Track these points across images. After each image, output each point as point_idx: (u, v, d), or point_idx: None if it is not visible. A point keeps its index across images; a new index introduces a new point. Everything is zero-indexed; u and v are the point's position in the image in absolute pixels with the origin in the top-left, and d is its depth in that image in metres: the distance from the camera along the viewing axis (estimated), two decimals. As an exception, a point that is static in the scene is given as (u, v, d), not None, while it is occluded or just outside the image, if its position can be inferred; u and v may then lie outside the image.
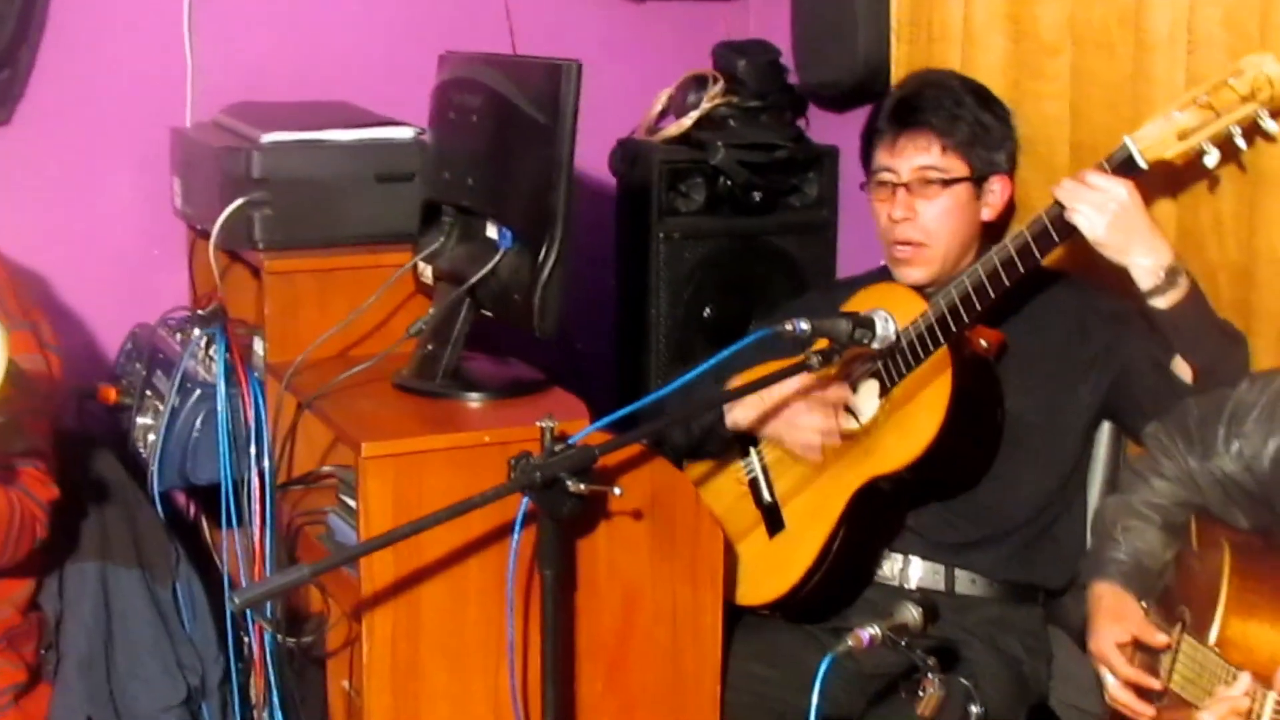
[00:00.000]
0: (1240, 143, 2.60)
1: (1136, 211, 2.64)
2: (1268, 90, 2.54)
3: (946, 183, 2.88)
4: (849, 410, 2.89)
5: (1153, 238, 2.65)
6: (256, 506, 2.74)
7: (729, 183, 3.72)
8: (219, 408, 2.81)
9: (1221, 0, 2.70)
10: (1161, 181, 2.81)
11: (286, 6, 3.62)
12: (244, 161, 2.92)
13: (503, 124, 2.62)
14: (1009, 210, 2.97)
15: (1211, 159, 2.61)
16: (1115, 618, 2.49)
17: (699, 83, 3.85)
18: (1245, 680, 2.10)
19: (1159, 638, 2.42)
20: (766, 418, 2.90)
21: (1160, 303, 2.66)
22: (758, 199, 3.77)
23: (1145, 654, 2.46)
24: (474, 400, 2.67)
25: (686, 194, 3.74)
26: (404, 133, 3.06)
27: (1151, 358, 2.75)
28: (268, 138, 2.96)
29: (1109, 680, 2.47)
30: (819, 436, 2.86)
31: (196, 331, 2.94)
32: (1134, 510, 2.58)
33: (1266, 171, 2.67)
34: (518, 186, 2.59)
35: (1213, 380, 2.64)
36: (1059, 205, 2.67)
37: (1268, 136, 2.61)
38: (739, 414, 2.92)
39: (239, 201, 2.90)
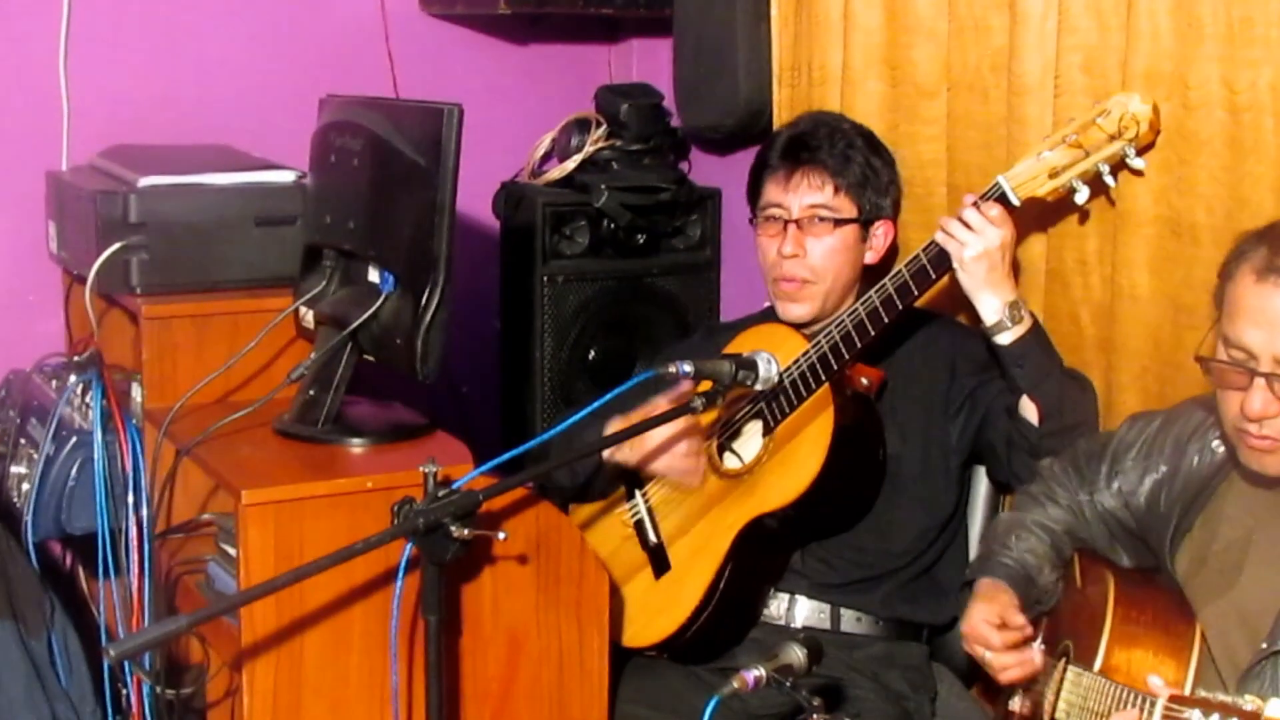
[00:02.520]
0: (1109, 180, 2.67)
1: (1006, 251, 2.71)
2: (1134, 128, 2.61)
3: (837, 223, 2.91)
4: (732, 450, 2.91)
5: (1005, 277, 2.72)
6: (134, 556, 2.69)
7: (612, 225, 3.74)
8: (95, 455, 2.76)
9: (1082, 47, 2.78)
10: (1029, 221, 2.87)
11: (165, 49, 3.58)
12: (120, 205, 2.89)
13: (384, 167, 2.62)
14: (891, 255, 3.01)
15: (1082, 196, 2.68)
16: (987, 600, 2.52)
17: (582, 126, 3.87)
18: (1129, 693, 2.14)
19: (1018, 618, 2.46)
20: (642, 457, 2.91)
21: (1004, 339, 2.73)
22: (641, 241, 3.79)
23: (1028, 691, 2.49)
24: (356, 445, 2.65)
25: (570, 236, 3.75)
26: (284, 176, 3.05)
27: (1008, 405, 2.80)
28: (145, 181, 2.92)
29: (988, 656, 2.49)
30: (690, 460, 2.87)
31: (72, 378, 2.90)
32: (1026, 526, 2.63)
33: (1127, 212, 2.75)
34: (399, 230, 2.58)
35: (1061, 422, 2.71)
36: (935, 244, 2.71)
37: (1135, 173, 2.68)
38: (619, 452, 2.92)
39: (116, 246, 2.87)
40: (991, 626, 2.48)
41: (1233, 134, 2.58)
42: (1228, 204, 2.60)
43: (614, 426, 2.84)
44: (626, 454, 2.89)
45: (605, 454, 2.91)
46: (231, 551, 2.58)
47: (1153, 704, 2.00)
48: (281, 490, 2.44)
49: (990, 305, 2.73)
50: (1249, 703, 1.86)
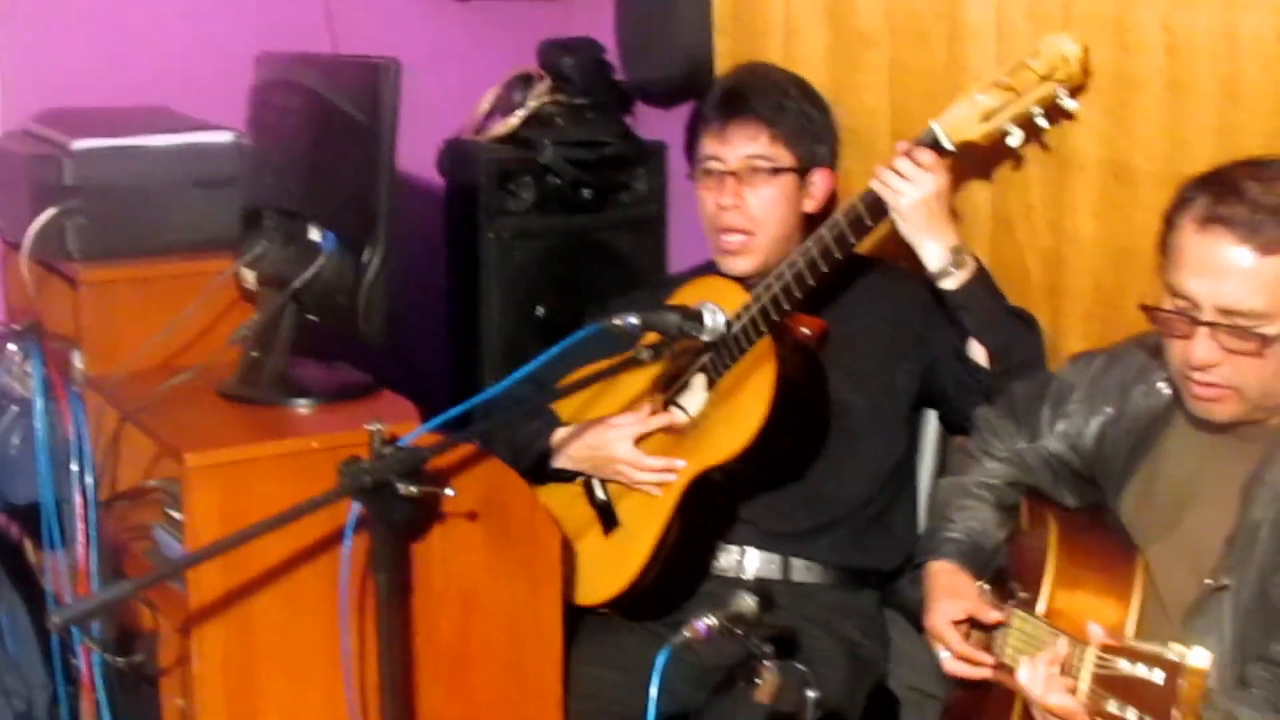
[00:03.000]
0: (1042, 122, 2.68)
1: (943, 197, 2.72)
2: (1064, 69, 2.61)
3: (773, 172, 2.91)
4: (678, 404, 2.91)
5: (945, 222, 2.74)
6: (80, 525, 2.67)
7: (558, 181, 3.72)
8: (37, 424, 2.74)
9: (1027, -8, 2.78)
10: (973, 168, 2.88)
11: (97, 10, 3.53)
12: (55, 170, 2.85)
13: (322, 125, 2.59)
14: (831, 203, 3.01)
15: (1015, 139, 2.69)
16: (950, 595, 2.53)
17: (525, 81, 3.85)
18: (1064, 640, 2.15)
19: (992, 615, 2.47)
20: (584, 462, 2.95)
21: (949, 283, 2.75)
22: (587, 196, 3.78)
23: (981, 629, 2.51)
24: (301, 406, 2.63)
25: (515, 193, 3.73)
26: (222, 137, 3.01)
27: (955, 347, 2.81)
28: (80, 145, 2.88)
29: (944, 655, 2.51)
30: (630, 471, 2.88)
31: (11, 346, 2.87)
32: (968, 490, 2.64)
33: (1071, 157, 2.75)
34: (339, 188, 2.56)
35: (1010, 362, 2.73)
36: (872, 190, 2.72)
37: (1067, 115, 2.68)
38: (561, 454, 2.97)
39: (51, 211, 2.82)
40: (955, 630, 2.49)
41: (1171, 76, 2.59)
42: (1166, 147, 2.61)
43: (560, 436, 2.92)
44: (565, 454, 2.93)
45: (557, 463, 2.96)
46: (177, 516, 2.56)
47: (1086, 650, 2.02)
48: (226, 453, 2.42)
49: (933, 251, 2.74)
50: (1173, 652, 1.88)
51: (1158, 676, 1.90)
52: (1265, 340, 2.15)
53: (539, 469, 2.99)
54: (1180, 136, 2.60)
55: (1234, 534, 2.23)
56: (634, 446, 2.89)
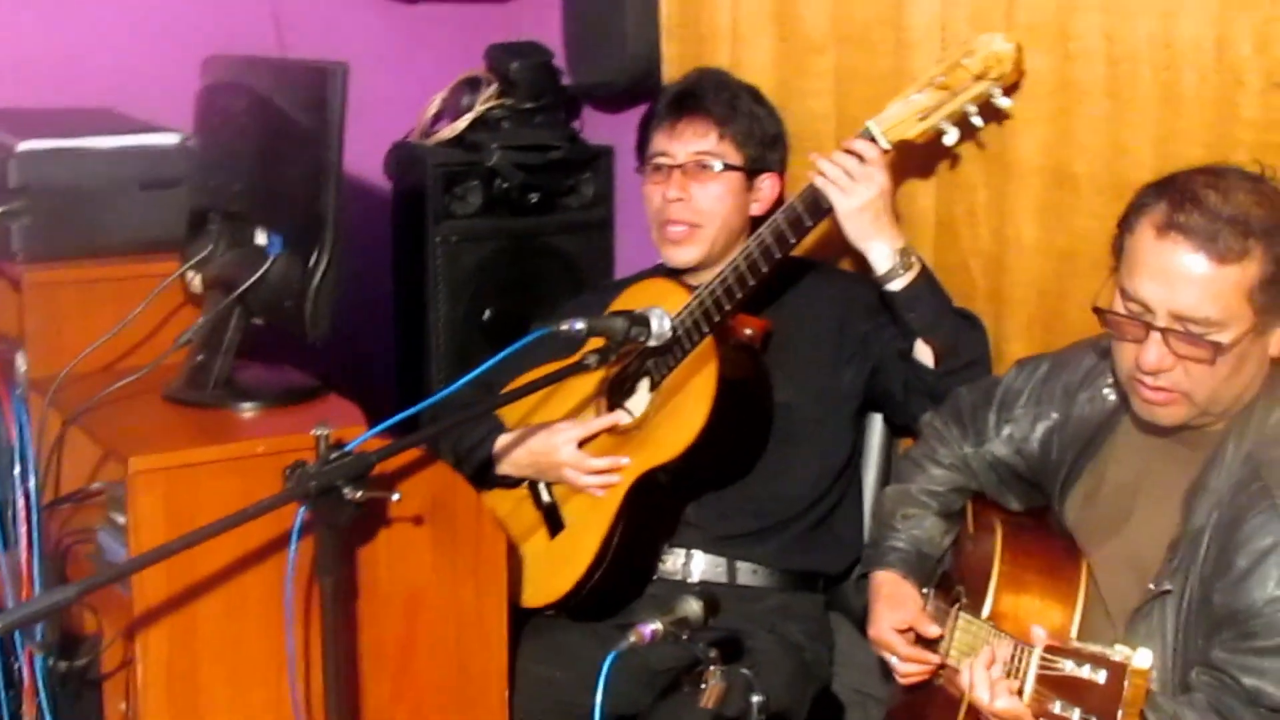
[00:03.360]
0: (977, 121, 2.71)
1: (886, 198, 2.74)
2: (998, 68, 2.64)
3: (722, 169, 2.94)
4: (624, 406, 2.92)
5: (892, 223, 2.76)
6: (23, 528, 2.64)
7: (505, 184, 3.73)
8: (-21, 426, 2.71)
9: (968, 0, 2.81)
10: (917, 173, 2.91)
11: (43, 9, 3.51)
12: (0, 170, 2.82)
13: (269, 128, 2.59)
14: (777, 208, 3.02)
15: (950, 137, 2.72)
16: (894, 605, 2.56)
17: (472, 85, 3.86)
18: (1008, 642, 2.17)
19: (932, 630, 2.49)
20: (528, 464, 2.96)
21: (896, 285, 2.76)
22: (534, 200, 3.78)
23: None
24: (247, 410, 2.63)
25: (463, 197, 3.73)
26: (169, 139, 3.00)
27: (901, 348, 2.83)
28: (24, 145, 2.86)
29: (893, 660, 2.53)
30: (574, 475, 2.89)
31: (-46, 348, 2.84)
32: (912, 498, 2.66)
33: (1013, 163, 2.79)
34: (286, 191, 2.56)
35: (956, 362, 2.75)
36: (812, 189, 2.74)
37: (1002, 113, 2.71)
38: (505, 459, 2.97)
39: (-4, 211, 2.81)
40: (899, 635, 2.51)
41: (1112, 84, 2.63)
42: (1108, 153, 2.65)
43: (503, 442, 2.93)
44: (506, 459, 2.94)
45: (501, 469, 2.96)
46: (121, 520, 2.54)
47: (1030, 652, 2.04)
48: (171, 456, 2.41)
49: (881, 253, 2.76)
50: (1118, 653, 1.90)
51: (1101, 677, 1.92)
52: (1218, 348, 2.16)
53: (482, 475, 2.99)
54: (1121, 143, 2.63)
55: (1177, 540, 2.25)
56: (578, 449, 2.89)
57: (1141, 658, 1.90)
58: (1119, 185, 2.53)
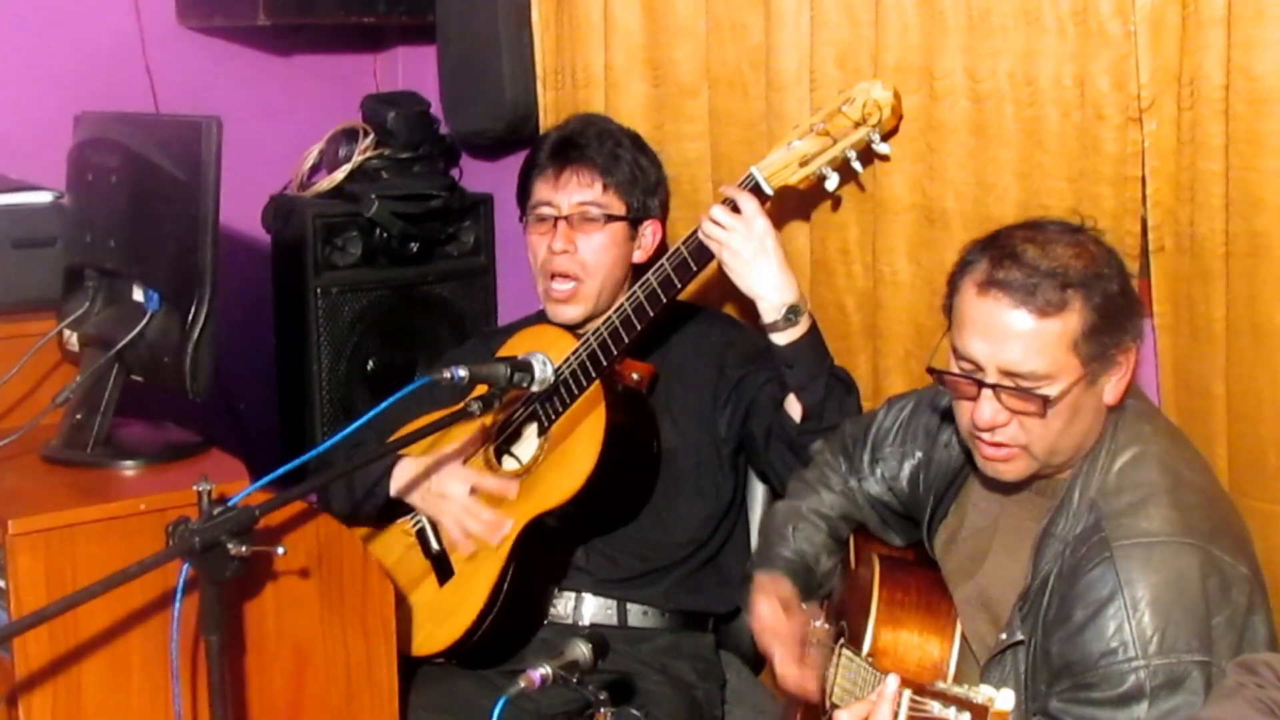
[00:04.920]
0: (857, 166, 2.75)
1: (769, 245, 2.74)
2: (877, 114, 2.69)
3: (606, 219, 2.95)
4: (511, 452, 2.93)
5: (781, 273, 2.75)
6: (-102, 594, 2.60)
7: (385, 234, 3.73)
8: None
9: (835, 41, 2.87)
10: (792, 212, 2.95)
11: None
12: None
13: (143, 184, 2.57)
14: (659, 255, 3.04)
15: (832, 183, 2.76)
16: (770, 592, 2.59)
17: (349, 136, 3.86)
18: (893, 681, 2.18)
19: (804, 610, 2.54)
20: (427, 499, 2.93)
21: (779, 339, 2.78)
22: (414, 249, 3.78)
23: (817, 654, 2.55)
24: (128, 468, 2.60)
25: (342, 247, 3.73)
26: (41, 196, 2.97)
27: (774, 397, 2.86)
28: (-106, 206, 2.83)
29: (776, 651, 2.55)
30: (480, 534, 2.88)
31: None
32: (803, 515, 2.69)
33: (886, 201, 2.84)
34: (162, 247, 2.54)
35: (818, 424, 2.77)
36: (696, 236, 2.76)
37: (881, 157, 2.76)
38: (401, 483, 2.94)
39: None
40: (778, 613, 2.54)
41: (977, 121, 2.69)
42: (975, 190, 2.71)
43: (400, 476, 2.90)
44: (398, 484, 2.92)
45: (391, 488, 2.93)
46: (1, 584, 2.51)
47: (902, 694, 2.06)
48: (50, 518, 2.37)
49: (766, 304, 2.77)
50: (981, 695, 1.92)
51: (966, 719, 1.94)
52: (1047, 401, 2.19)
53: (387, 511, 2.99)
54: (987, 179, 2.69)
55: (1026, 589, 2.27)
56: (470, 494, 2.89)
57: (1004, 699, 1.89)
58: (987, 220, 2.59)
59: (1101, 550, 2.18)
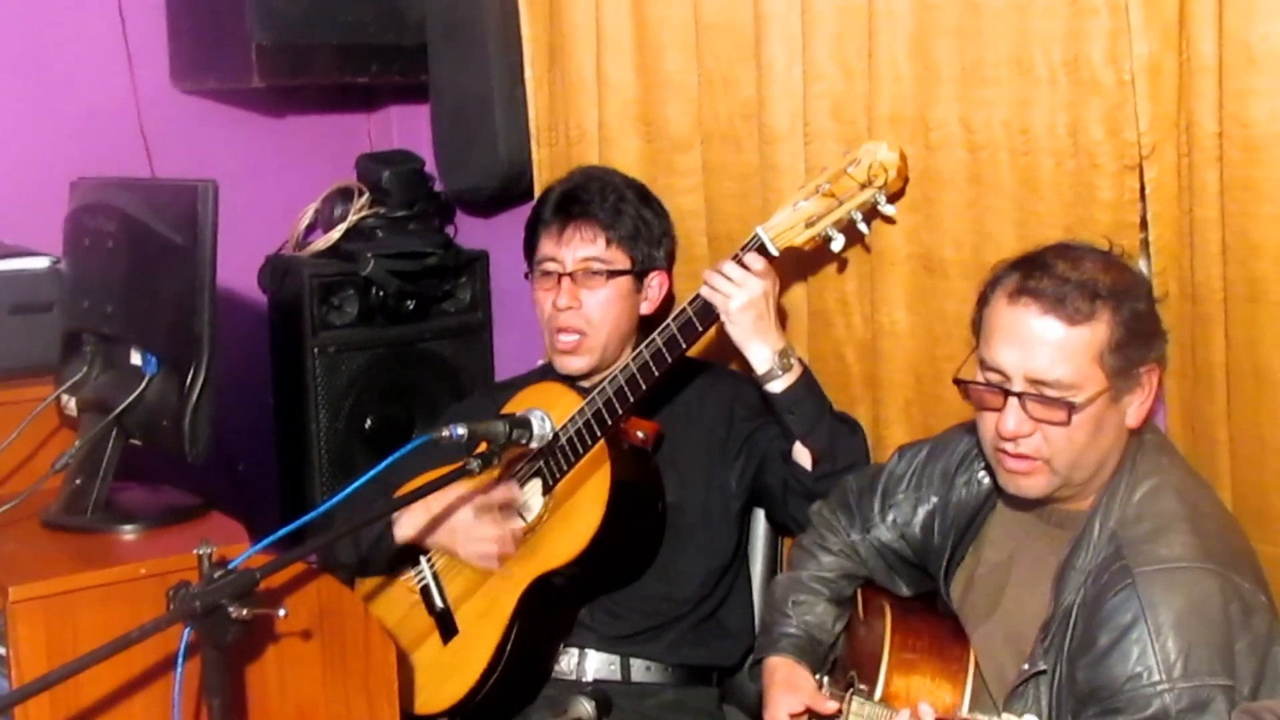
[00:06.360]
0: (862, 227, 2.75)
1: (770, 300, 2.76)
2: (883, 176, 2.68)
3: (610, 274, 2.95)
4: (516, 510, 2.92)
5: (773, 326, 2.77)
6: (-101, 663, 2.58)
7: (381, 293, 3.73)
8: None
9: (828, 94, 2.87)
10: (790, 266, 2.94)
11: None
12: None
13: (140, 248, 2.57)
14: (667, 305, 3.04)
15: (837, 244, 2.75)
16: (789, 689, 2.57)
17: (344, 195, 3.86)
18: (904, 715, 2.19)
19: (829, 705, 2.50)
20: (435, 531, 2.90)
21: (776, 386, 2.78)
22: (411, 307, 3.78)
23: None
24: (128, 532, 2.59)
25: (339, 306, 3.73)
26: (39, 262, 2.98)
27: (782, 449, 2.86)
28: (-108, 274, 2.83)
29: None
30: (495, 545, 2.86)
31: None
32: (804, 585, 2.68)
33: (882, 251, 2.84)
34: (160, 310, 2.54)
35: (831, 466, 2.78)
36: (700, 296, 2.76)
37: (887, 219, 2.76)
38: (407, 528, 2.91)
39: None
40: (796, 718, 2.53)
41: (973, 171, 2.70)
42: (973, 238, 2.71)
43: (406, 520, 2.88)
44: (408, 528, 2.90)
45: (396, 534, 2.91)
46: (2, 651, 2.49)
47: None
48: (51, 584, 2.36)
49: (761, 354, 2.78)
50: None
51: (991, 745, 1.95)
52: (1072, 408, 2.23)
53: (394, 564, 2.98)
54: (984, 228, 2.70)
55: (1048, 620, 2.29)
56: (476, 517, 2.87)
57: None
58: (984, 269, 2.57)
59: (1123, 577, 2.20)
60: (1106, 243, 2.36)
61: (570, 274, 2.96)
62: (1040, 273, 2.26)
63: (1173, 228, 2.50)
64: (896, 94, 2.76)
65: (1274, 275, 2.33)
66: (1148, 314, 2.27)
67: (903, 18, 2.73)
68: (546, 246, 3.00)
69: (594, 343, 2.96)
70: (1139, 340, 2.25)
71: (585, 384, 2.94)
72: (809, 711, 2.53)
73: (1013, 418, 2.26)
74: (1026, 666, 2.29)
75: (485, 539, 2.86)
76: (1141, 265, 2.53)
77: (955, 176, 2.73)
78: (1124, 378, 2.25)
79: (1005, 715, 1.97)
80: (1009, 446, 2.29)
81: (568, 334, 2.96)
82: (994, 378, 2.29)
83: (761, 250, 2.76)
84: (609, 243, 2.96)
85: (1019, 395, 2.26)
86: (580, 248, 2.96)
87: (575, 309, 2.95)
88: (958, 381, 2.37)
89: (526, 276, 3.06)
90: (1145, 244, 2.53)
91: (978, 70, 2.66)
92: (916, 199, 2.78)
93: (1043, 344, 2.24)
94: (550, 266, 2.99)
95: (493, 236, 3.84)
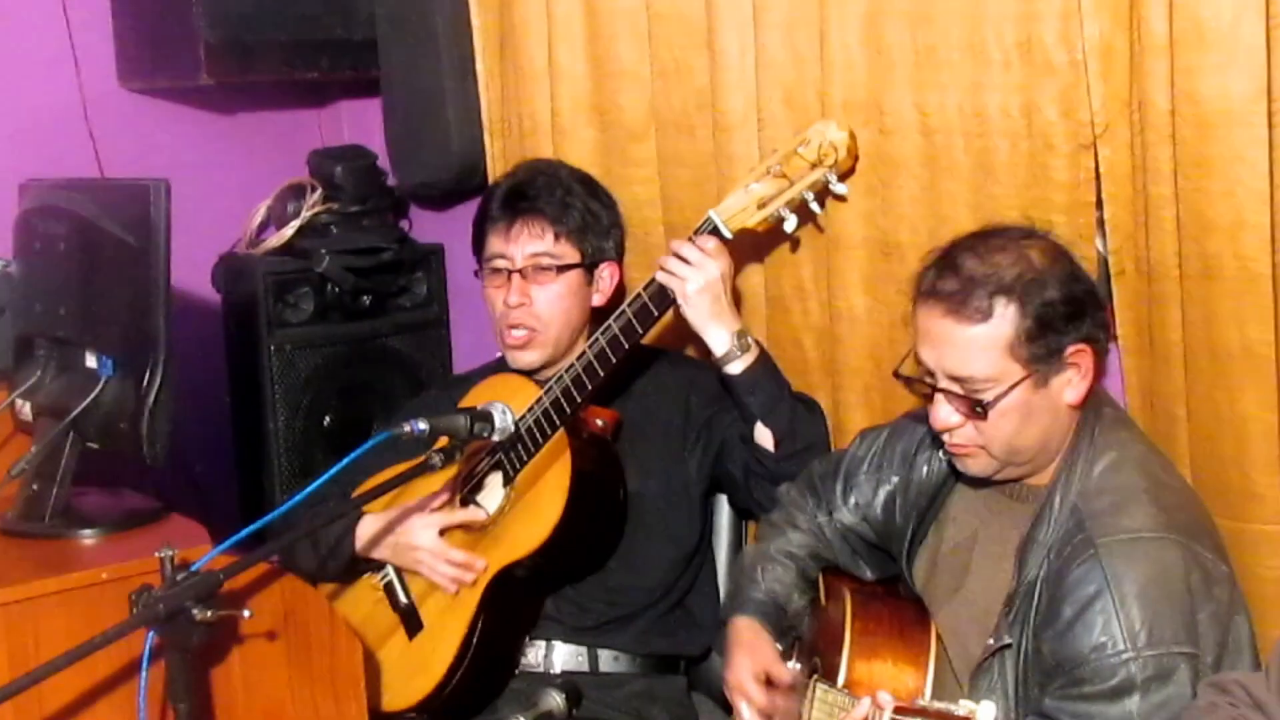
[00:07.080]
0: (814, 207, 2.76)
1: (727, 282, 2.77)
2: (833, 155, 2.70)
3: (560, 269, 2.94)
4: (476, 502, 2.91)
5: (729, 308, 2.78)
6: None
7: (336, 289, 3.71)
8: None
9: (781, 81, 2.88)
10: (747, 252, 2.95)
11: None
12: None
13: (92, 250, 2.55)
14: (618, 295, 3.04)
15: (790, 224, 2.76)
16: (750, 651, 2.59)
17: (297, 192, 3.84)
18: (865, 704, 2.19)
19: (785, 676, 2.53)
20: (397, 552, 2.92)
21: (735, 368, 2.79)
22: (367, 303, 3.77)
23: (786, 700, 2.54)
24: (88, 537, 2.57)
25: (294, 304, 3.71)
26: (-12, 267, 2.94)
27: (742, 432, 2.86)
28: None
29: (744, 709, 2.55)
30: (457, 572, 2.86)
31: None
32: (771, 556, 2.70)
33: (838, 236, 2.85)
34: (114, 312, 2.52)
35: (794, 446, 2.79)
36: (656, 281, 2.76)
37: (838, 198, 2.77)
38: (368, 543, 2.92)
39: None
40: (756, 681, 2.54)
41: (928, 155, 2.70)
42: (929, 222, 2.72)
43: (366, 524, 2.88)
44: (364, 540, 2.90)
45: (357, 544, 2.90)
46: (-39, 661, 2.47)
47: (881, 714, 2.06)
48: (10, 591, 2.34)
49: (718, 337, 2.78)
50: (963, 708, 1.93)
51: (949, 733, 1.95)
52: (984, 405, 2.27)
53: (353, 567, 2.96)
54: (940, 211, 2.71)
55: (1012, 593, 2.31)
56: (439, 537, 2.87)
57: (985, 711, 1.91)
58: (942, 252, 2.60)
59: (1086, 548, 2.22)
60: (1029, 221, 2.40)
61: (520, 270, 2.95)
62: (949, 272, 2.29)
63: (1127, 206, 2.51)
64: (849, 79, 2.76)
65: (1228, 251, 2.34)
66: (1066, 299, 2.27)
67: (854, 3, 2.73)
68: (495, 243, 2.98)
69: (545, 338, 2.95)
70: (1057, 325, 2.26)
71: (539, 377, 2.94)
72: (770, 682, 2.53)
73: (941, 411, 2.33)
74: (992, 641, 2.30)
75: (448, 572, 2.86)
76: (1098, 244, 2.55)
77: (910, 160, 2.73)
78: (1045, 363, 2.27)
79: (963, 702, 1.96)
80: (945, 436, 2.35)
81: (518, 329, 2.95)
82: (923, 373, 2.35)
83: (715, 233, 2.76)
84: (557, 237, 2.95)
85: (943, 391, 2.31)
86: (529, 243, 2.95)
87: (526, 305, 2.94)
88: (897, 375, 2.44)
89: (476, 274, 3.05)
90: (1101, 223, 2.54)
91: (931, 54, 2.66)
92: (872, 183, 2.78)
93: (949, 344, 2.29)
94: (500, 264, 2.97)
95: (447, 230, 3.83)
